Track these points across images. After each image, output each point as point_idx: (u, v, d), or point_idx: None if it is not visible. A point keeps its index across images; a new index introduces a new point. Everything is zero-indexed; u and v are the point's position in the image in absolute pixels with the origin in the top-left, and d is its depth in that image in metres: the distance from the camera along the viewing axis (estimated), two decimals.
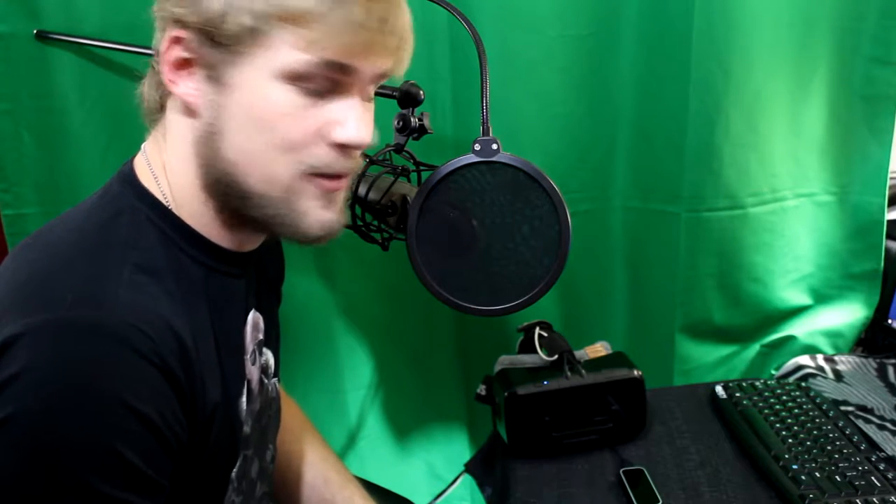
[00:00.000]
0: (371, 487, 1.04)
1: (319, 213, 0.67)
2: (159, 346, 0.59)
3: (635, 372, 0.97)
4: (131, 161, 0.70)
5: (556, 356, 0.97)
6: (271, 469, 0.85)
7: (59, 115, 1.09)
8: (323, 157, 0.65)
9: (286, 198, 0.65)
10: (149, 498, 0.59)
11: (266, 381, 0.80)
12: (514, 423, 0.96)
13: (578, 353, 1.01)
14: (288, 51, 0.61)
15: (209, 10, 0.60)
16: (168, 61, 0.63)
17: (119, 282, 0.60)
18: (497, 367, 1.01)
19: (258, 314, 0.78)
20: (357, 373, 1.31)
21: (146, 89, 0.69)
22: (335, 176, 0.66)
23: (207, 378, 0.65)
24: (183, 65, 0.63)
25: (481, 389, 1.02)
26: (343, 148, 0.65)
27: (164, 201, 0.67)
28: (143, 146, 0.71)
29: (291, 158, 0.64)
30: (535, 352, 1.00)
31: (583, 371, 0.96)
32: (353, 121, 0.65)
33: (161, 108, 0.68)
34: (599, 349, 1.03)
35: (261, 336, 0.78)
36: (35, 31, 1.05)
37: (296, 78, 0.62)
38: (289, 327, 1.23)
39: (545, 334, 1.02)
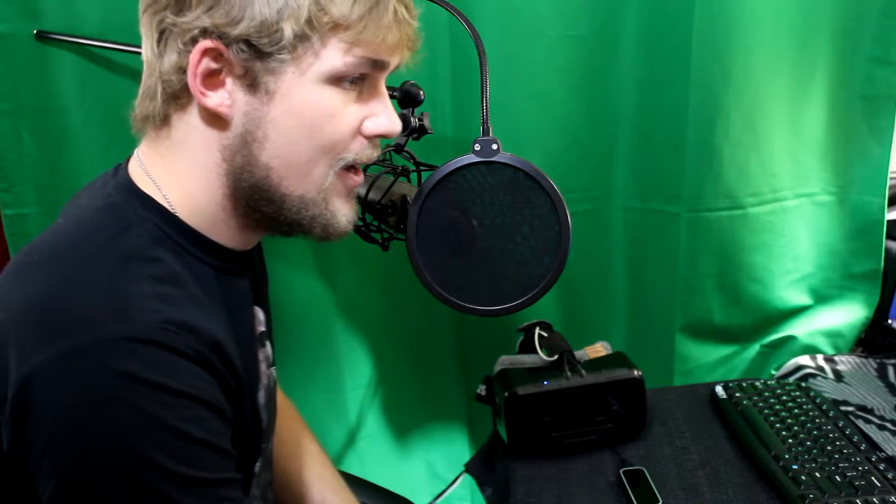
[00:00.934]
0: (371, 487, 1.04)
1: (346, 209, 0.71)
2: (195, 343, 0.59)
3: (635, 372, 0.97)
4: (125, 170, 0.69)
5: (556, 356, 0.97)
6: (271, 456, 0.86)
7: (59, 115, 1.10)
8: (357, 150, 0.68)
9: (323, 198, 0.68)
10: (230, 468, 0.62)
11: (269, 371, 0.81)
12: (514, 423, 0.96)
13: (578, 354, 1.01)
14: (332, 54, 0.62)
15: (253, 21, 0.60)
16: (198, 73, 0.61)
17: (142, 294, 0.59)
18: (497, 367, 1.01)
19: (258, 308, 0.78)
20: (357, 372, 1.31)
21: (148, 106, 0.66)
22: (357, 170, 0.70)
23: (243, 370, 0.66)
24: (211, 76, 0.62)
25: (481, 389, 1.02)
26: (372, 139, 0.68)
27: (170, 208, 0.67)
28: (136, 155, 0.69)
29: (331, 157, 0.66)
30: (536, 352, 1.00)
31: (583, 371, 0.96)
32: (388, 112, 0.69)
33: (166, 123, 0.66)
34: (599, 349, 1.03)
35: (262, 328, 0.79)
36: (35, 31, 1.05)
37: (338, 79, 0.64)
38: (289, 327, 1.24)
39: (545, 334, 1.02)
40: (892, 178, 1.23)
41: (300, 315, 1.26)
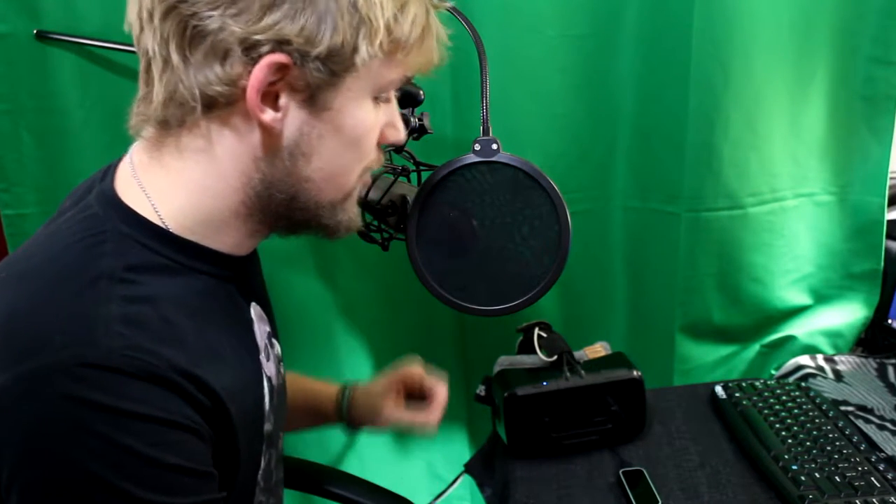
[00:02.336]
0: (371, 487, 1.04)
1: (356, 207, 0.73)
2: (162, 367, 0.56)
3: (634, 372, 0.97)
4: (111, 176, 0.66)
5: (555, 357, 0.97)
6: (281, 455, 0.85)
7: (59, 115, 1.10)
8: (375, 158, 0.70)
9: (347, 202, 0.70)
10: (208, 490, 0.60)
11: (281, 370, 0.80)
12: (513, 424, 0.96)
13: (578, 354, 1.01)
14: (386, 73, 0.64)
15: (334, 40, 0.58)
16: (260, 88, 0.58)
17: (108, 317, 0.56)
18: (496, 368, 1.01)
19: (258, 307, 0.77)
20: (357, 372, 1.31)
21: (174, 111, 0.61)
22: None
23: (225, 391, 0.62)
24: (268, 88, 0.59)
25: (480, 390, 1.02)
26: (380, 146, 0.70)
27: (158, 220, 0.63)
28: (129, 160, 0.66)
29: (362, 168, 0.68)
30: (535, 352, 1.00)
31: (582, 372, 0.96)
32: (401, 124, 0.71)
33: (185, 129, 0.62)
34: (599, 350, 1.03)
35: (268, 328, 0.78)
36: (35, 31, 1.05)
37: (380, 95, 0.66)
38: (289, 327, 1.23)
39: (544, 335, 1.02)
40: (892, 178, 1.23)
41: (300, 315, 1.26)
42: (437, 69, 0.70)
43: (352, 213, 0.71)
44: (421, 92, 0.89)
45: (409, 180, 0.97)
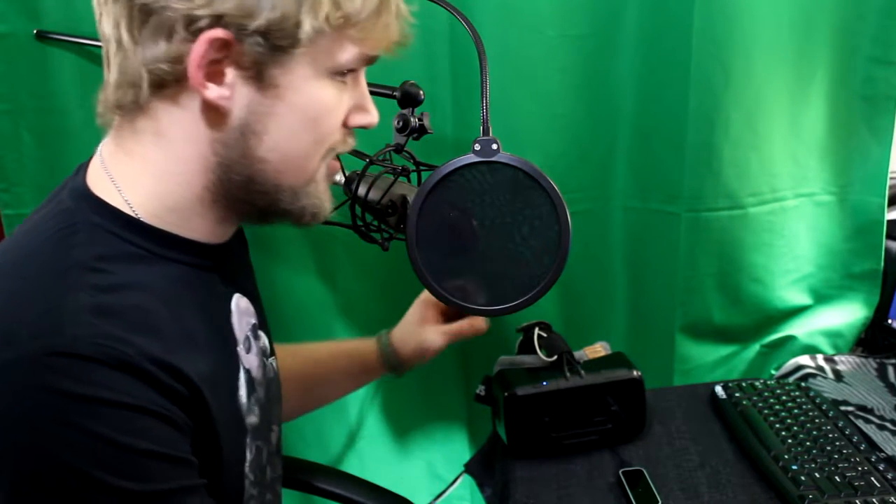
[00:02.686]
0: (371, 487, 1.04)
1: (328, 194, 0.71)
2: (132, 354, 0.56)
3: (634, 372, 0.97)
4: (83, 171, 0.67)
5: (555, 357, 0.97)
6: (276, 450, 0.84)
7: (59, 115, 1.10)
8: (341, 139, 0.68)
9: (313, 187, 0.69)
10: (186, 476, 0.60)
11: (266, 362, 0.80)
12: (513, 424, 0.96)
13: (578, 354, 1.01)
14: (340, 50, 0.62)
15: (273, 13, 0.58)
16: (201, 64, 0.58)
17: (78, 307, 0.56)
18: (496, 368, 1.01)
19: (244, 298, 0.77)
20: None
21: (126, 93, 0.62)
22: (336, 155, 0.72)
23: (201, 378, 0.63)
24: (212, 66, 0.59)
25: (480, 390, 1.02)
26: (351, 129, 0.69)
27: (129, 210, 0.64)
28: (99, 153, 0.67)
29: (323, 150, 0.67)
30: (535, 352, 1.00)
31: (582, 372, 0.96)
32: (372, 105, 0.70)
33: (141, 113, 0.63)
34: (599, 349, 1.03)
35: (253, 320, 0.78)
36: (35, 31, 1.05)
37: (338, 73, 0.64)
38: (289, 327, 1.23)
39: (544, 335, 1.02)
40: (892, 178, 1.23)
41: (300, 315, 1.26)
42: (402, 48, 0.68)
43: (318, 199, 0.70)
44: (421, 92, 0.89)
45: (409, 180, 0.97)
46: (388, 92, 0.89)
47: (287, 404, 0.88)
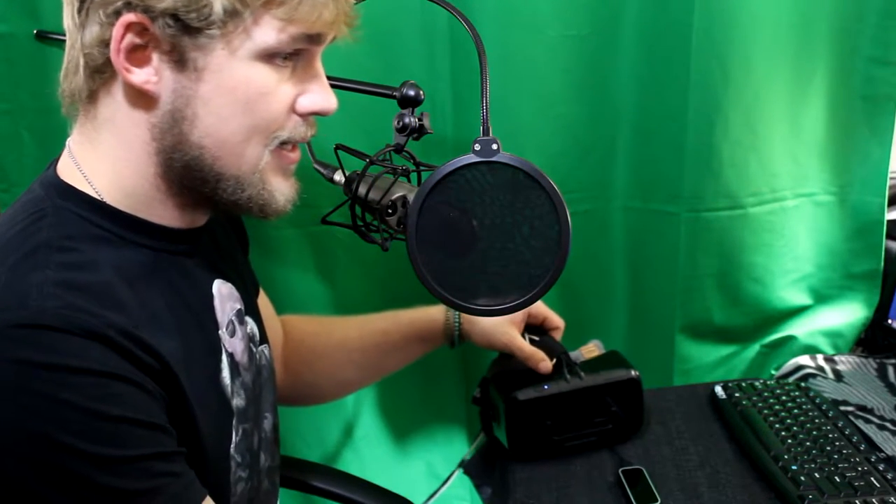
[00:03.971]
0: (370, 487, 1.04)
1: (284, 187, 0.69)
2: (98, 325, 0.57)
3: (633, 372, 0.97)
4: (54, 164, 0.68)
5: (553, 359, 0.98)
6: (271, 438, 0.84)
7: (59, 115, 1.09)
8: (292, 128, 0.66)
9: (259, 177, 0.66)
10: (161, 443, 0.60)
11: (254, 349, 0.80)
12: (515, 429, 0.96)
13: (574, 354, 1.01)
14: (265, 31, 0.60)
15: None
16: (122, 49, 0.59)
17: (43, 281, 0.57)
18: (491, 371, 1.01)
19: (227, 283, 0.77)
20: None
21: (72, 80, 0.64)
22: (294, 147, 0.68)
23: (170, 356, 0.63)
24: (136, 51, 0.60)
25: (478, 392, 1.02)
26: (306, 116, 0.67)
27: (95, 195, 0.65)
28: (67, 144, 0.68)
29: (265, 136, 0.65)
30: None
31: (581, 373, 0.96)
32: (322, 88, 0.67)
33: (92, 99, 0.64)
34: (593, 349, 1.03)
35: (238, 306, 0.78)
36: (35, 31, 1.05)
37: (271, 56, 0.62)
38: None
39: (536, 338, 1.02)
40: (892, 178, 1.23)
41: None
42: (349, 27, 0.66)
43: (265, 191, 0.67)
44: (421, 92, 0.89)
45: (409, 180, 0.96)
46: (388, 92, 0.89)
47: (351, 377, 0.94)
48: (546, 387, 0.94)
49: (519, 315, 1.02)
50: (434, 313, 1.04)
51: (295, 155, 0.69)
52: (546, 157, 1.14)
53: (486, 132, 0.79)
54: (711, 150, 1.16)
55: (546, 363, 0.97)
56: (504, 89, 1.11)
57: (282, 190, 0.69)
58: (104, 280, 0.61)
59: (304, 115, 0.67)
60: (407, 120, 0.88)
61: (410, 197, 0.83)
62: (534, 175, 0.79)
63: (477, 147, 0.79)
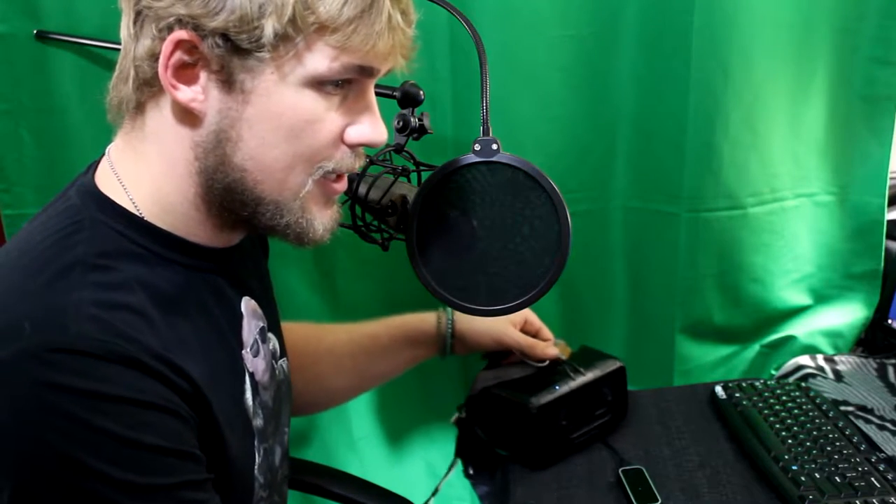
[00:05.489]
0: (370, 487, 1.04)
1: (325, 216, 0.68)
2: (134, 350, 0.57)
3: (619, 362, 1.01)
4: (93, 169, 0.67)
5: (546, 362, 0.99)
6: (286, 450, 0.84)
7: (59, 115, 1.09)
8: (339, 158, 0.65)
9: (300, 205, 0.65)
10: (192, 471, 0.60)
11: (275, 364, 0.80)
12: (537, 436, 0.96)
13: None
14: (316, 58, 0.59)
15: (232, 15, 0.56)
16: (170, 65, 0.59)
17: (80, 303, 0.57)
18: (479, 385, 1.01)
19: (252, 301, 0.76)
20: None
21: (121, 90, 0.64)
22: (340, 177, 0.67)
23: (200, 379, 0.63)
24: (184, 68, 0.59)
25: (461, 413, 1.03)
26: (356, 147, 0.65)
27: (134, 209, 0.64)
28: (108, 152, 0.67)
29: (309, 165, 0.63)
30: (520, 364, 1.01)
31: (581, 369, 0.98)
32: (373, 120, 0.65)
33: (139, 111, 0.64)
34: (566, 348, 1.04)
35: (262, 323, 0.77)
36: (35, 31, 1.05)
37: (321, 83, 0.61)
38: None
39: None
40: (892, 178, 1.23)
41: (300, 315, 1.26)
42: (404, 60, 0.65)
43: (304, 220, 0.65)
44: (421, 92, 0.89)
45: (409, 180, 0.96)
46: (388, 92, 0.89)
47: (341, 384, 0.93)
48: (557, 387, 0.95)
49: (517, 316, 1.02)
50: (426, 315, 1.04)
51: (340, 185, 0.67)
52: (546, 157, 1.14)
53: (486, 132, 0.79)
54: (711, 150, 1.16)
55: (551, 347, 0.99)
56: (504, 89, 1.11)
57: (321, 219, 0.67)
58: (138, 301, 0.60)
59: (353, 147, 0.65)
60: (407, 120, 0.88)
61: (410, 197, 0.83)
62: (534, 175, 0.79)
63: (477, 147, 0.79)
